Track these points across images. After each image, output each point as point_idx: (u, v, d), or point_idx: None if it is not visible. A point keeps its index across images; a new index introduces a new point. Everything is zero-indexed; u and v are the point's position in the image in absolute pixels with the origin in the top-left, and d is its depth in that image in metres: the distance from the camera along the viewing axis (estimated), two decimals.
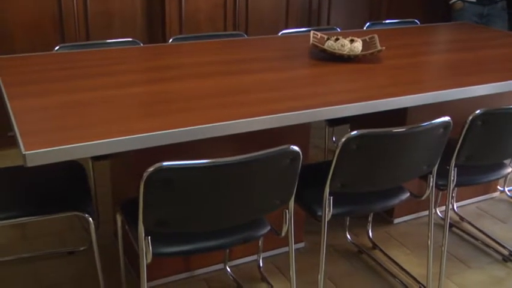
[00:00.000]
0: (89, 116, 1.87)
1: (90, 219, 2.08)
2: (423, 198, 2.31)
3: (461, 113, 2.36)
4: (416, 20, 3.81)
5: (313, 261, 2.71)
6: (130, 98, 2.07)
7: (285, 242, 2.71)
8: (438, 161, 2.20)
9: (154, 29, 4.09)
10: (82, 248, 2.75)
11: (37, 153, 1.61)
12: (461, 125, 2.21)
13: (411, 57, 2.77)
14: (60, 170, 2.37)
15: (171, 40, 3.11)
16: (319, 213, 2.09)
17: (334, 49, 2.63)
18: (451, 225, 3.04)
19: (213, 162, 1.64)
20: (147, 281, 2.37)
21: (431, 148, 2.12)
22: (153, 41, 4.09)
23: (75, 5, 3.76)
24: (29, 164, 1.61)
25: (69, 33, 3.81)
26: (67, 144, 1.65)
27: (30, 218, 2.08)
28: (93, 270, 2.57)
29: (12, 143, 1.73)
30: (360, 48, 2.66)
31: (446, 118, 2.05)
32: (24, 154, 1.60)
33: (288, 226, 1.99)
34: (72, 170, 2.38)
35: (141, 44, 3.01)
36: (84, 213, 2.08)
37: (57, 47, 2.87)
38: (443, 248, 2.51)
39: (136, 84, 2.25)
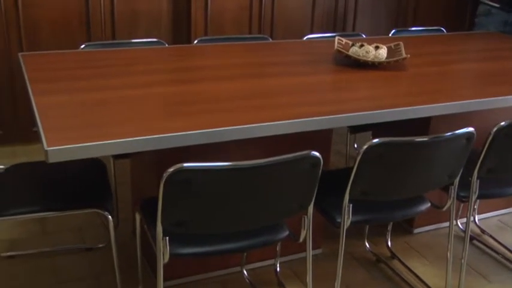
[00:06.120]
0: (112, 115, 1.88)
1: (110, 217, 2.10)
2: (444, 209, 2.28)
3: (486, 124, 2.33)
4: (442, 28, 3.78)
5: (330, 268, 2.69)
6: (153, 98, 2.08)
7: (303, 248, 2.69)
8: (460, 172, 2.18)
9: (180, 29, 4.11)
10: (100, 245, 2.76)
11: (59, 149, 1.62)
12: (486, 136, 2.18)
13: (436, 66, 2.75)
14: (81, 167, 2.39)
15: (196, 41, 3.12)
16: (338, 220, 2.08)
17: (359, 55, 2.62)
18: (471, 238, 3.01)
19: (234, 165, 1.64)
20: (164, 281, 2.38)
21: (454, 159, 2.09)
22: (178, 42, 4.11)
23: (102, 4, 3.80)
24: (51, 160, 1.62)
25: (96, 32, 3.84)
26: (89, 142, 1.66)
27: (51, 213, 2.10)
28: (110, 268, 2.59)
29: (37, 137, 1.74)
30: (385, 55, 2.65)
31: (470, 129, 2.03)
32: (47, 150, 1.61)
33: (307, 232, 1.98)
34: (94, 167, 2.40)
35: (166, 45, 3.03)
36: (103, 210, 2.09)
37: (83, 45, 2.89)
38: (463, 261, 2.48)
39: (160, 84, 2.26)
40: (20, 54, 2.59)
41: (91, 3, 3.76)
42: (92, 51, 2.77)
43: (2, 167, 2.42)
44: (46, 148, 1.61)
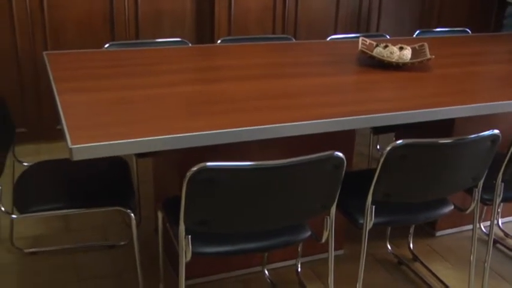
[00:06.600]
0: (135, 114, 1.89)
1: (132, 215, 2.11)
2: (468, 212, 2.26)
3: None
4: (467, 29, 3.74)
5: (352, 269, 2.68)
6: (176, 97, 2.09)
7: (324, 248, 2.69)
8: (485, 175, 2.15)
9: (203, 29, 4.12)
10: (122, 243, 2.78)
11: (83, 147, 1.64)
12: (511, 138, 2.15)
13: (461, 67, 2.72)
14: (104, 165, 2.40)
15: (219, 41, 3.13)
16: (361, 222, 2.07)
17: (383, 56, 2.60)
18: (495, 242, 2.97)
19: (257, 165, 1.64)
20: (185, 279, 2.39)
21: (479, 161, 2.07)
22: (201, 42, 4.12)
23: (126, 4, 3.82)
24: (75, 158, 1.64)
25: (119, 31, 3.87)
26: (113, 140, 1.67)
27: (74, 210, 2.12)
28: (132, 265, 2.60)
29: (61, 136, 1.76)
30: (409, 56, 2.63)
31: (495, 131, 2.00)
32: (71, 148, 1.62)
33: (329, 232, 1.97)
34: (116, 166, 2.41)
35: (190, 44, 3.04)
36: (126, 208, 2.11)
37: (107, 45, 2.91)
38: (486, 265, 2.45)
39: (183, 83, 2.27)
40: (44, 53, 2.61)
41: (115, 3, 3.79)
42: (116, 51, 2.78)
43: (26, 164, 2.45)
44: (70, 146, 1.63)
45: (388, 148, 1.88)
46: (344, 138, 2.51)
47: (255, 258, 2.61)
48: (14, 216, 2.12)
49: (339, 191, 1.87)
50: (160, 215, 2.11)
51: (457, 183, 2.11)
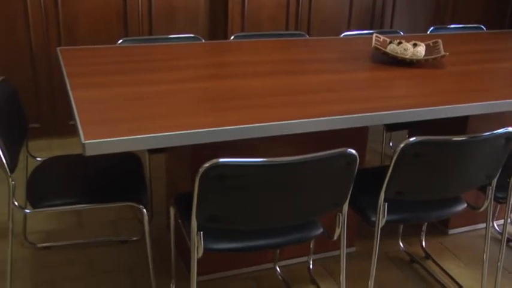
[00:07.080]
0: (148, 109, 1.90)
1: (145, 210, 2.11)
2: (481, 210, 2.24)
3: None
4: (482, 26, 3.72)
5: (363, 266, 2.67)
6: (189, 93, 2.09)
7: (336, 246, 2.69)
8: (499, 173, 2.14)
9: (217, 25, 4.12)
10: (134, 238, 2.79)
11: (96, 143, 1.64)
12: None
13: (476, 64, 2.70)
14: (117, 161, 2.41)
15: (232, 37, 3.12)
16: (373, 219, 2.06)
17: (397, 53, 2.59)
18: (508, 240, 2.96)
19: (270, 162, 1.64)
20: (197, 275, 2.39)
21: (492, 159, 2.05)
22: (214, 38, 4.12)
23: (139, 0, 3.83)
24: (88, 153, 1.64)
25: (133, 27, 3.87)
26: (125, 136, 1.68)
27: (86, 205, 2.12)
28: (144, 261, 2.61)
29: (74, 131, 1.76)
30: (423, 52, 2.61)
31: (509, 129, 1.99)
32: (84, 143, 1.63)
33: (341, 230, 1.97)
34: (129, 161, 2.42)
35: (203, 40, 3.04)
36: (139, 204, 2.11)
37: (120, 41, 2.92)
38: (499, 264, 2.44)
39: (196, 80, 2.27)
40: (58, 48, 2.62)
41: None
42: (129, 46, 2.79)
43: (39, 159, 2.46)
44: (83, 141, 1.63)
45: (401, 145, 1.87)
46: (357, 135, 2.50)
47: (266, 255, 2.61)
48: (27, 210, 2.13)
49: (352, 188, 1.86)
50: (172, 211, 2.11)
51: (471, 181, 2.09)
